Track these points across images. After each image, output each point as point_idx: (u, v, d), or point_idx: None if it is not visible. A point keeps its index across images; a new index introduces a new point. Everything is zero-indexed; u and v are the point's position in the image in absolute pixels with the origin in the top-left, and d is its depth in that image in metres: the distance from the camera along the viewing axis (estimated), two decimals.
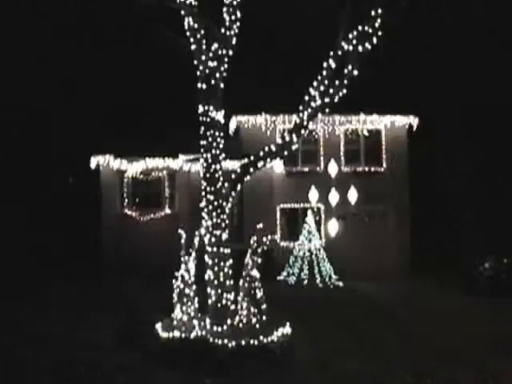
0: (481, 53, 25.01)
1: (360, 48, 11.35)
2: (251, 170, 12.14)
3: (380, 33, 11.26)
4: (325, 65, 11.61)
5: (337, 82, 11.60)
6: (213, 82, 11.60)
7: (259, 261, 11.73)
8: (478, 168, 27.55)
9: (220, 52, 11.58)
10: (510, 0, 18.92)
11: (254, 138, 23.53)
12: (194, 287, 11.59)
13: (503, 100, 26.39)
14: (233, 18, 11.59)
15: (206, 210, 11.58)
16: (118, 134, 24.60)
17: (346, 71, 11.47)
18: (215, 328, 10.84)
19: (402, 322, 15.03)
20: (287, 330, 10.98)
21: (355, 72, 11.46)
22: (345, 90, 11.55)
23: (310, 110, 11.78)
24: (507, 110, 26.50)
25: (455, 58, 25.37)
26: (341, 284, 21.80)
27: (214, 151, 11.75)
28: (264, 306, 11.54)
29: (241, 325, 11.12)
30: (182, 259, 11.75)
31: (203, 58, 11.60)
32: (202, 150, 11.77)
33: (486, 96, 26.35)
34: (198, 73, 11.62)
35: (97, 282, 20.74)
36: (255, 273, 11.63)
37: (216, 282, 11.27)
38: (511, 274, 19.32)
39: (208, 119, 11.65)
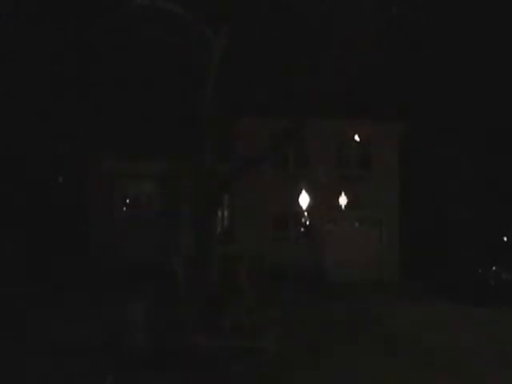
0: (475, 55, 25.11)
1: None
2: (242, 172, 12.13)
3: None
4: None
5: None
6: (204, 83, 11.59)
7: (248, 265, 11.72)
8: (470, 174, 27.69)
9: (212, 53, 11.58)
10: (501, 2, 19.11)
11: (246, 141, 23.47)
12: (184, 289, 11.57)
13: (500, 102, 26.51)
14: (226, 19, 11.60)
15: (196, 211, 11.55)
16: (109, 134, 24.48)
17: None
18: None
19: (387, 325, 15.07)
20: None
21: None
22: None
23: (301, 114, 11.80)
24: (503, 112, 26.63)
25: (448, 62, 25.46)
26: None
27: (205, 153, 11.73)
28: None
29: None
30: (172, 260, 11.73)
31: (195, 58, 11.60)
32: (193, 152, 11.75)
33: (481, 98, 26.47)
34: (191, 72, 11.63)
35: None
36: (242, 277, 11.61)
37: (204, 282, 11.25)
38: (500, 282, 19.36)
39: (200, 121, 11.64)
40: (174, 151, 23.43)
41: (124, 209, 24.17)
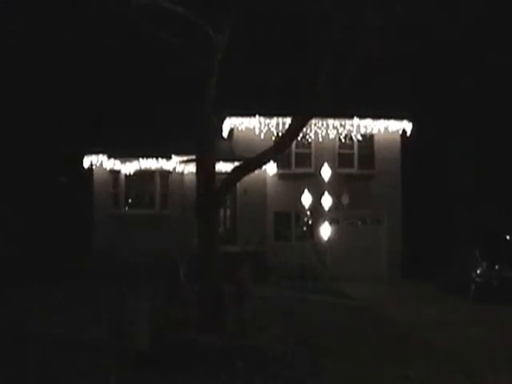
0: (475, 55, 25.09)
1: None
2: (244, 172, 12.15)
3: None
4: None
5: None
6: (206, 83, 11.60)
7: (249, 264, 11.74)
8: (472, 172, 27.67)
9: (213, 53, 11.58)
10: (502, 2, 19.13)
11: (247, 141, 23.50)
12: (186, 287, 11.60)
13: (499, 101, 26.49)
14: (226, 19, 11.60)
15: (199, 211, 11.57)
16: (111, 134, 24.55)
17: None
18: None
19: (388, 323, 15.07)
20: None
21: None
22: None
23: (302, 114, 11.79)
24: (502, 112, 26.62)
25: (449, 62, 25.44)
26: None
27: (207, 153, 11.74)
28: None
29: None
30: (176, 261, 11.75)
31: (196, 58, 11.60)
32: (195, 152, 11.77)
33: (481, 98, 26.45)
34: (191, 72, 11.65)
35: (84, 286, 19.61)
36: (244, 276, 11.63)
37: (206, 282, 11.27)
38: (502, 280, 19.33)
39: (202, 121, 11.65)
40: (175, 151, 23.48)
41: (126, 208, 24.19)
